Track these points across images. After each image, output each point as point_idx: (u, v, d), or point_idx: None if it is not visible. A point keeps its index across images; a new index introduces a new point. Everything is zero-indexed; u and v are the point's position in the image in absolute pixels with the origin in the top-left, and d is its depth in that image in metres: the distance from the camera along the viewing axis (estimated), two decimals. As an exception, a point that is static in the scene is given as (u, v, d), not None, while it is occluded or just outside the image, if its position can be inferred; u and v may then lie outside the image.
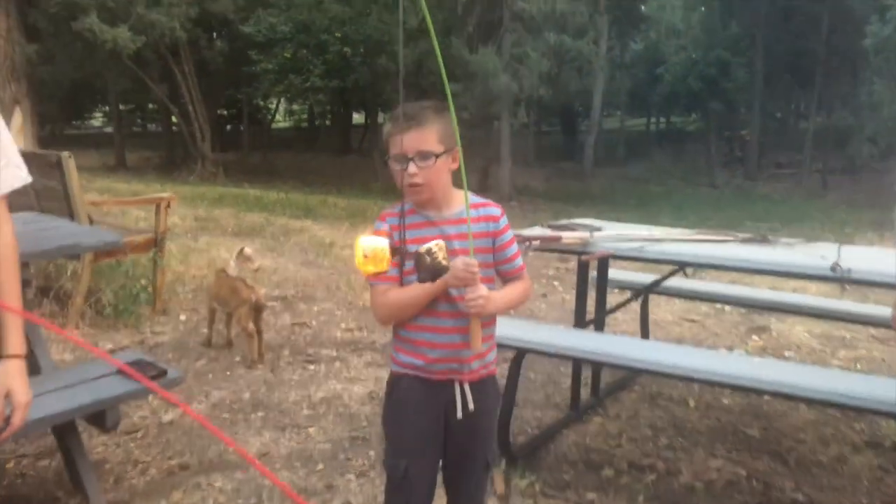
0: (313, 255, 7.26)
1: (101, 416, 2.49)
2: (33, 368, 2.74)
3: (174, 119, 17.27)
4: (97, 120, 31.58)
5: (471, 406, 1.93)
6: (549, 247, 2.97)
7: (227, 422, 3.38)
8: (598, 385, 3.75)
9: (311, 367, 4.12)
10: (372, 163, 17.50)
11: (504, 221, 1.97)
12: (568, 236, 2.93)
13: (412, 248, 1.74)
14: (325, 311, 5.24)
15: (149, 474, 2.87)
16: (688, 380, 2.70)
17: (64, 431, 2.58)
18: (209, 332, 4.36)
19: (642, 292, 3.68)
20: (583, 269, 3.30)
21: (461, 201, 1.94)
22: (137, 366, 2.59)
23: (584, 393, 3.70)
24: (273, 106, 25.40)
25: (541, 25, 12.32)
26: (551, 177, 21.78)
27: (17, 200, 4.68)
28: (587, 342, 2.87)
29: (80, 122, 29.45)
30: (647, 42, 29.15)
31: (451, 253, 1.85)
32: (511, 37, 12.95)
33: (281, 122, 30.83)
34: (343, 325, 4.91)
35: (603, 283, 3.52)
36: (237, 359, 4.17)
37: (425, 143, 1.84)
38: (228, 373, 3.98)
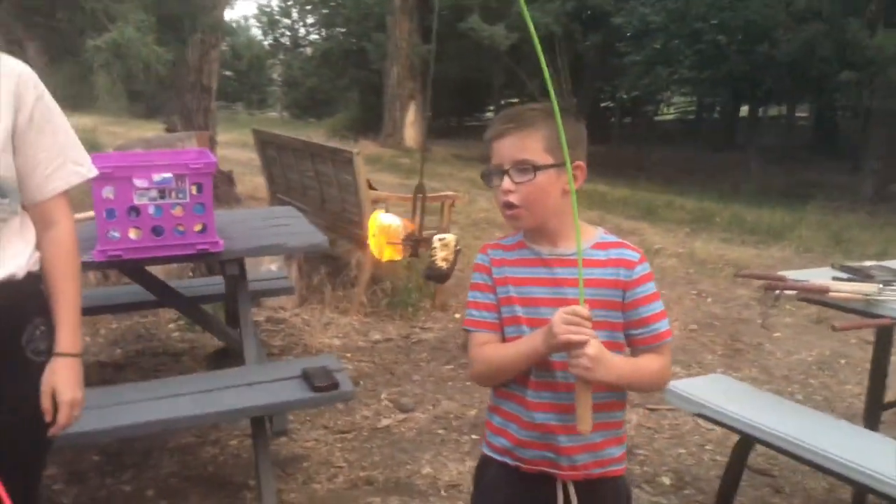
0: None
1: (269, 419, 2.50)
2: (239, 360, 2.89)
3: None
4: (491, 113, 34.32)
5: None
6: (811, 298, 2.17)
7: (438, 439, 3.21)
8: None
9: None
10: (746, 160, 15.85)
11: (642, 269, 1.43)
12: (840, 289, 2.09)
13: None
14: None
15: (335, 482, 2.84)
16: None
17: (255, 424, 2.65)
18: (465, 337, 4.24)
19: None
20: (882, 336, 2.36)
21: (591, 237, 1.47)
22: (315, 375, 2.55)
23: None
24: (661, 98, 24.65)
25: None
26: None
27: (329, 192, 5.08)
28: (860, 449, 1.99)
29: (480, 115, 32.22)
30: None
31: (564, 303, 1.38)
32: (931, 13, 10.45)
33: (669, 113, 29.97)
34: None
35: (924, 355, 2.49)
36: (486, 369, 3.98)
37: (525, 151, 1.40)
38: (469, 383, 3.82)
